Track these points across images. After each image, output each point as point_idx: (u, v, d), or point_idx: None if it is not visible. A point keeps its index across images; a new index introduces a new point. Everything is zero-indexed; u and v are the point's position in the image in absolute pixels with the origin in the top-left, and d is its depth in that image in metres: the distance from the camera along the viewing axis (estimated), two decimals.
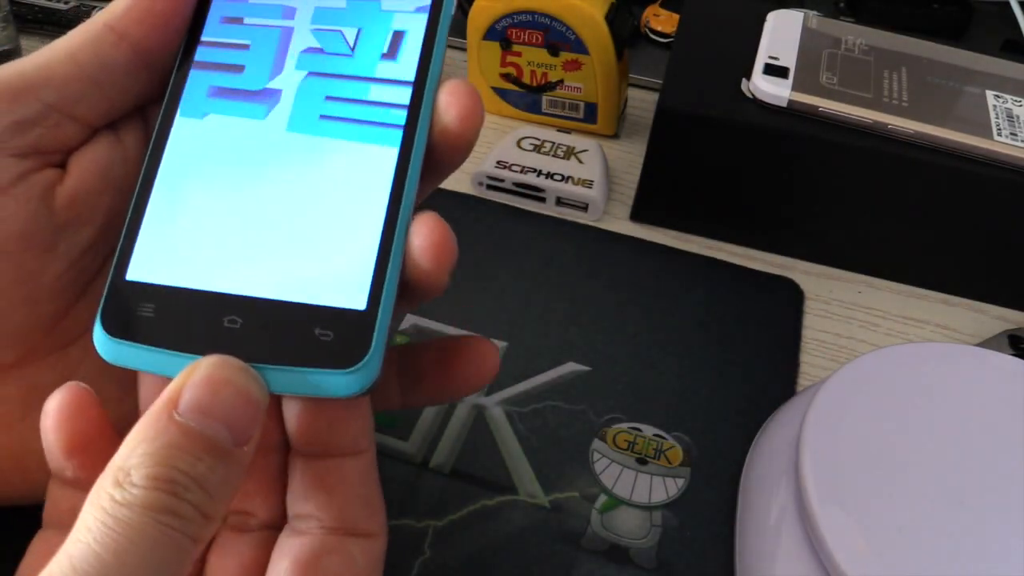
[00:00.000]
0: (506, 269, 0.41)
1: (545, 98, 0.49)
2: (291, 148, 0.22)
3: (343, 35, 0.23)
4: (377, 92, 0.23)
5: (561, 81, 0.48)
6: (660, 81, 0.42)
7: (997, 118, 0.39)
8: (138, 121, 0.25)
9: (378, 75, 0.23)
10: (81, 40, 0.22)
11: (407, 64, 0.23)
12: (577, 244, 0.43)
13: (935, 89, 0.41)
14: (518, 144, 0.46)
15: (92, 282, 0.25)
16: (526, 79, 0.48)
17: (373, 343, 0.20)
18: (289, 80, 0.23)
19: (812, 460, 0.27)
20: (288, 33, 0.24)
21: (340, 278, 0.21)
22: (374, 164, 0.22)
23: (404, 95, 0.22)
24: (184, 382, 0.18)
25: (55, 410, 0.20)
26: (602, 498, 0.32)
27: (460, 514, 0.31)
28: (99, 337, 0.21)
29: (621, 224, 0.45)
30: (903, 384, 0.29)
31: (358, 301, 0.21)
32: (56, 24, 0.52)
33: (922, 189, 0.40)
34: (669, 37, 0.55)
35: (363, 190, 0.22)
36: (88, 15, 0.52)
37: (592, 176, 0.45)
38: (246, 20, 0.24)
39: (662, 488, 0.32)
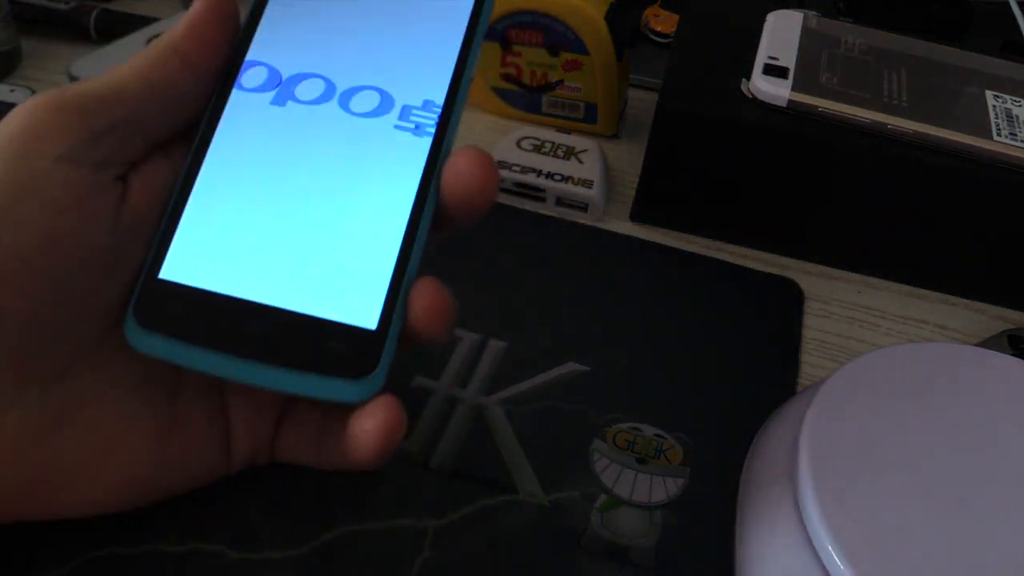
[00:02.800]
0: (506, 269, 0.41)
1: (545, 98, 0.49)
2: (326, 146, 0.25)
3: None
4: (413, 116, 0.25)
5: (561, 81, 0.48)
6: (660, 81, 0.42)
7: (997, 118, 0.39)
8: (185, 141, 0.26)
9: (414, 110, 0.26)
10: (151, 62, 0.24)
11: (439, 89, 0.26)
12: (577, 244, 0.43)
13: (935, 89, 0.41)
14: (518, 144, 0.46)
15: None
16: (526, 79, 0.48)
17: (381, 360, 0.23)
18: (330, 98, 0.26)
19: (812, 460, 0.27)
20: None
21: (356, 297, 0.23)
22: (396, 192, 0.24)
23: (433, 118, 0.25)
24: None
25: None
26: (602, 498, 0.32)
27: (460, 514, 0.31)
28: (131, 328, 0.23)
29: (621, 224, 0.45)
30: (903, 384, 0.29)
31: (370, 320, 0.23)
32: (56, 24, 0.52)
33: (922, 189, 0.40)
34: (669, 37, 0.56)
35: (383, 215, 0.24)
36: (88, 15, 0.52)
37: (592, 176, 0.45)
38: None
39: (662, 488, 0.32)
